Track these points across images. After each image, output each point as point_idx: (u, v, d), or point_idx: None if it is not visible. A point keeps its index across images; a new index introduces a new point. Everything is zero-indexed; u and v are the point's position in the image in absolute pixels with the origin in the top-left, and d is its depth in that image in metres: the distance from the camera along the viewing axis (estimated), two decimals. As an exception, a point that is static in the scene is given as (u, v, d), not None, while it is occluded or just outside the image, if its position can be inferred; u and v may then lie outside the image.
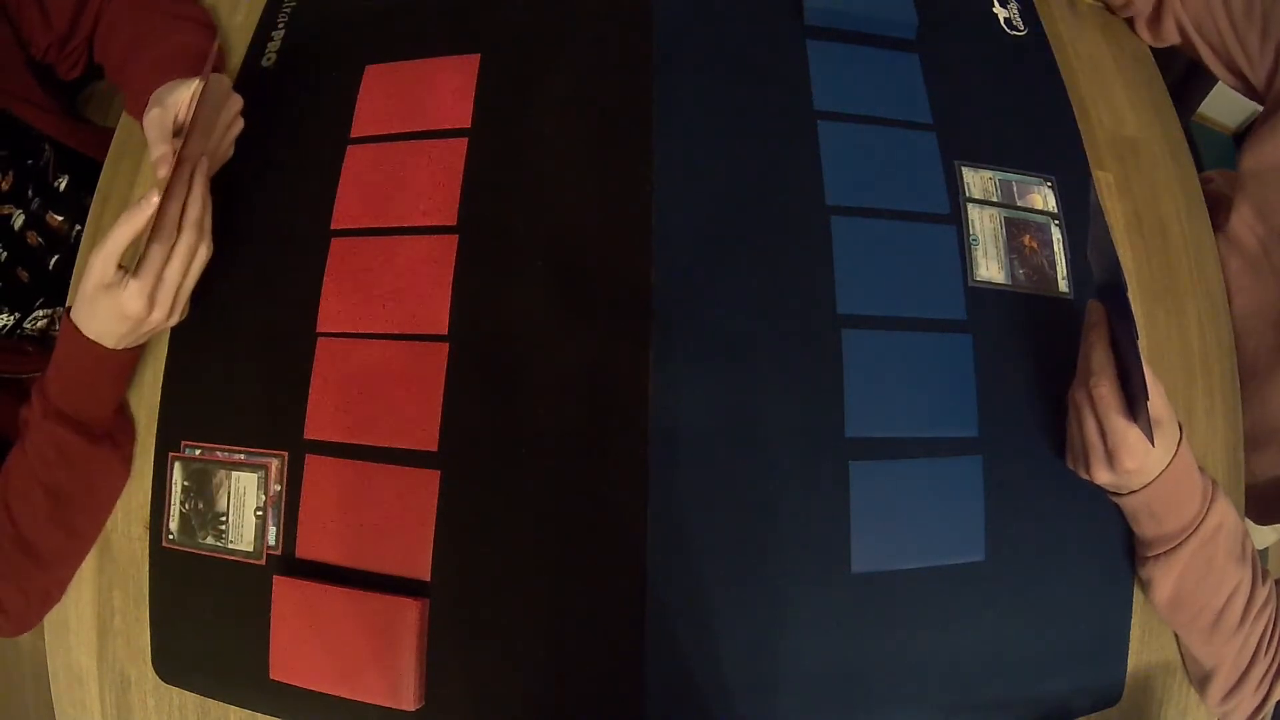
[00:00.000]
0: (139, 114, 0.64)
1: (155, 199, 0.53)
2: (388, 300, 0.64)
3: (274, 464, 0.63)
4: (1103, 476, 0.56)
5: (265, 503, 0.62)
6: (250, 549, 0.62)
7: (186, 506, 0.64)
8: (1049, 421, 0.63)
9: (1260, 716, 0.63)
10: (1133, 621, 0.63)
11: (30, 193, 0.76)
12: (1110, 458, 0.54)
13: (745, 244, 0.64)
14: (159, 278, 0.56)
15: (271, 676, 0.59)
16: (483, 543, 0.59)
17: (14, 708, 1.25)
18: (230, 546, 0.63)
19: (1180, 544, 0.57)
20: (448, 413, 0.60)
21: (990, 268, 0.66)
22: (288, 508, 0.62)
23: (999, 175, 0.69)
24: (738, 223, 0.64)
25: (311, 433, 0.62)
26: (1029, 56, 0.77)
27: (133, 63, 0.70)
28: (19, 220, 0.75)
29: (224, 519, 0.63)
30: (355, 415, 0.62)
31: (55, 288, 0.78)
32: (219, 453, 0.64)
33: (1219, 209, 0.77)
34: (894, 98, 0.71)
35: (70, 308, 0.58)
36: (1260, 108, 0.74)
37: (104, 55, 0.75)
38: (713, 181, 0.65)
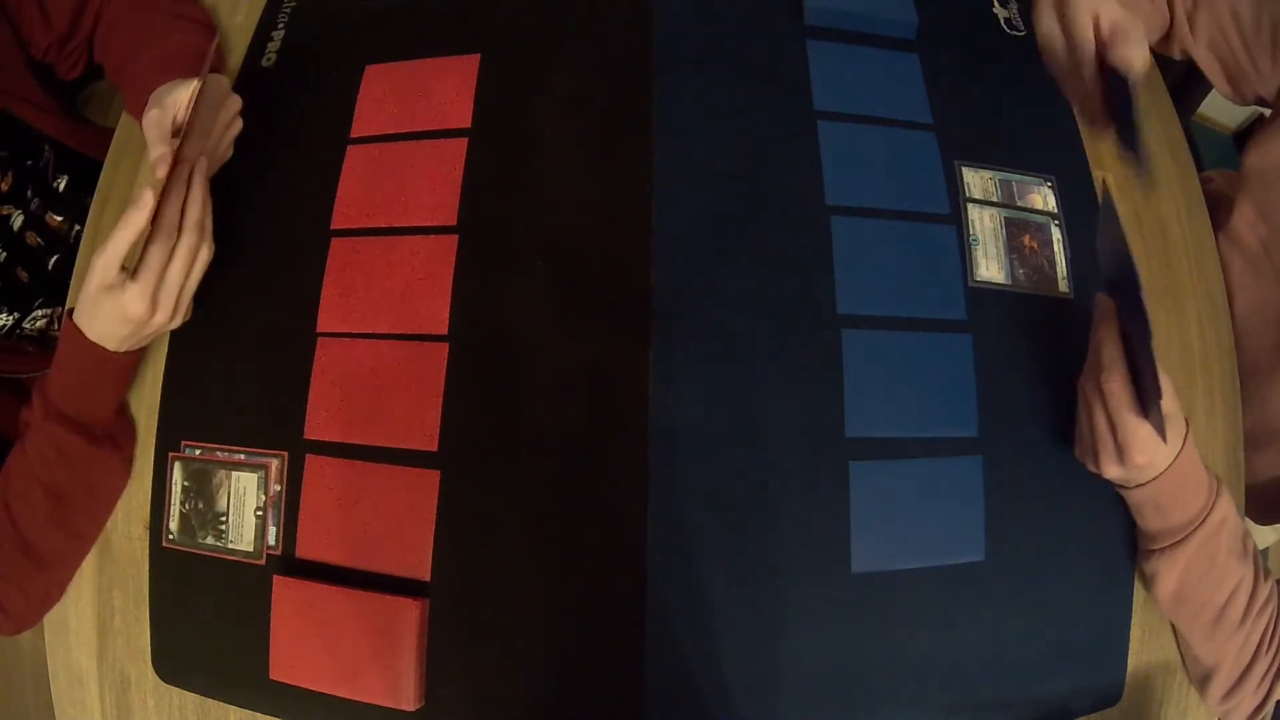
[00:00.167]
0: (139, 114, 0.64)
1: (150, 198, 0.53)
2: (387, 300, 0.64)
3: (274, 464, 0.63)
4: (1112, 471, 0.56)
5: (265, 503, 0.62)
6: (250, 549, 0.62)
7: (186, 506, 0.64)
8: (1049, 421, 0.64)
9: (1260, 716, 0.63)
10: (1133, 621, 0.63)
11: (30, 193, 0.76)
12: (1121, 453, 0.54)
13: (745, 244, 0.64)
14: (161, 279, 0.56)
15: (271, 676, 0.59)
16: (483, 543, 0.59)
17: (14, 708, 1.25)
18: (230, 546, 0.63)
19: (1185, 538, 0.57)
20: (448, 413, 0.60)
21: (990, 268, 0.66)
22: (288, 508, 0.62)
23: (999, 175, 0.69)
24: (738, 223, 0.64)
25: (311, 433, 0.62)
26: (1029, 56, 0.77)
27: (132, 63, 0.70)
28: (18, 220, 0.75)
29: (224, 519, 0.63)
30: (355, 415, 0.62)
31: (55, 288, 0.78)
32: (219, 453, 0.64)
33: (1219, 208, 0.77)
34: (894, 98, 0.71)
35: (72, 309, 0.58)
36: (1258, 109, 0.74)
37: (104, 55, 0.75)
38: (713, 182, 0.65)
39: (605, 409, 0.60)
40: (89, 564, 0.66)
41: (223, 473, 0.63)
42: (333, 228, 0.67)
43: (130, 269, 0.55)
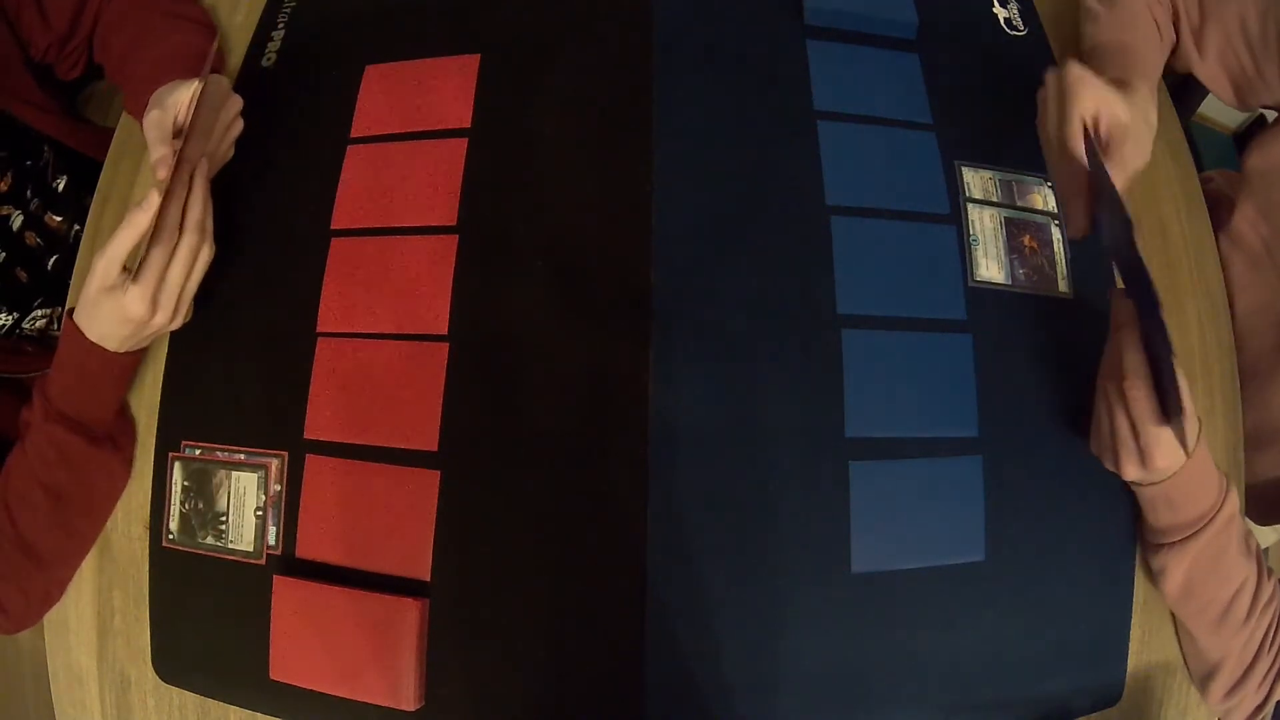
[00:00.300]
0: (139, 114, 0.64)
1: (156, 199, 0.53)
2: (387, 300, 0.64)
3: (274, 464, 0.63)
4: (1132, 473, 0.56)
5: (265, 503, 0.62)
6: (250, 549, 0.62)
7: (186, 506, 0.64)
8: (1049, 421, 0.64)
9: (1261, 715, 0.63)
10: (1133, 622, 0.63)
11: (29, 193, 0.76)
12: (1143, 457, 0.54)
13: (745, 244, 0.64)
14: (161, 280, 0.56)
15: (271, 676, 0.59)
16: (483, 543, 0.59)
17: (14, 708, 1.25)
18: (230, 546, 0.63)
19: (1196, 533, 0.57)
20: (448, 413, 0.60)
21: (990, 268, 0.66)
22: (288, 508, 0.62)
23: (999, 175, 0.69)
24: (738, 223, 0.64)
25: (311, 433, 0.62)
26: (1029, 56, 0.77)
27: (132, 63, 0.70)
28: (18, 221, 0.75)
29: (224, 519, 0.63)
30: (355, 415, 0.62)
31: (54, 288, 0.78)
32: (219, 453, 0.64)
33: (1219, 208, 0.77)
34: (894, 98, 0.71)
35: (72, 310, 0.58)
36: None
37: (104, 55, 0.75)
38: (713, 182, 0.65)
39: (605, 409, 0.60)
40: (89, 564, 0.66)
41: (223, 473, 0.63)
42: (333, 228, 0.67)
43: (131, 270, 0.55)
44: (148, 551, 0.65)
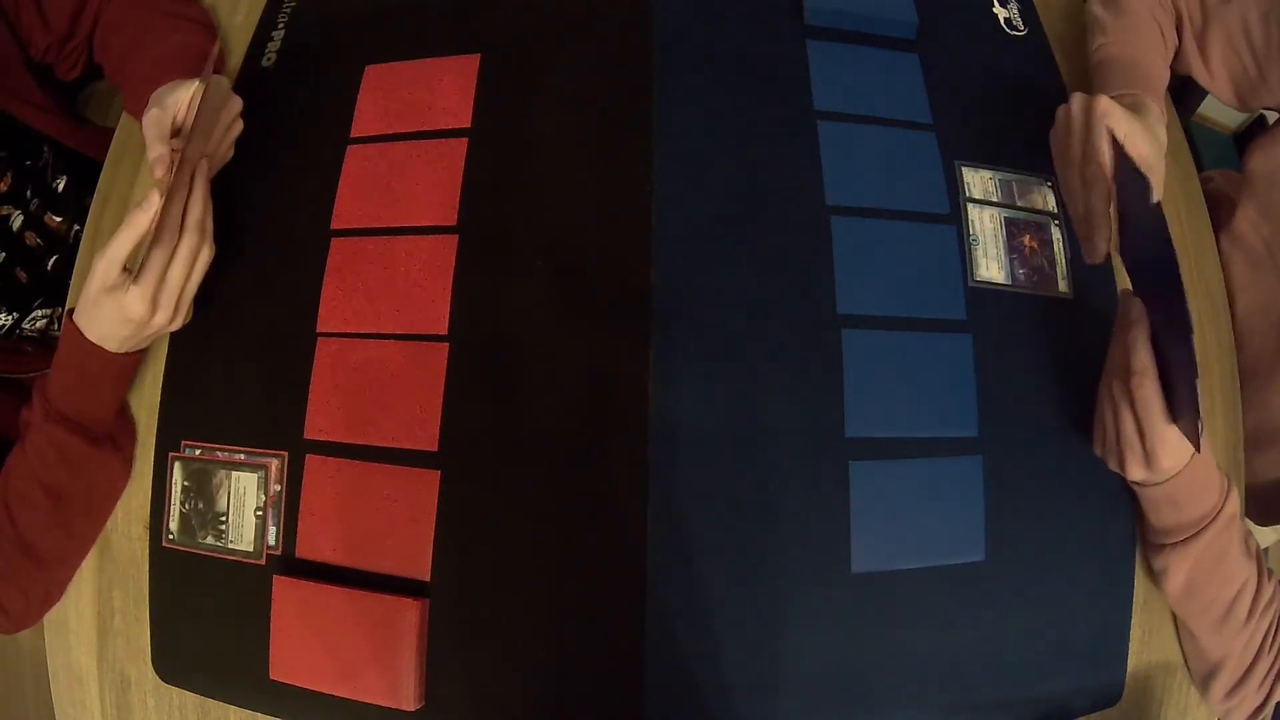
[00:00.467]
0: (139, 114, 0.64)
1: (156, 200, 0.53)
2: (387, 300, 0.64)
3: (274, 464, 0.63)
4: (1137, 474, 0.56)
5: (265, 503, 0.62)
6: (250, 549, 0.62)
7: (186, 506, 0.64)
8: (1049, 421, 0.64)
9: (1261, 716, 0.63)
10: (1133, 622, 0.63)
11: (29, 193, 0.76)
12: (1149, 457, 0.54)
13: (745, 244, 0.64)
14: (162, 281, 0.56)
15: (271, 676, 0.59)
16: (483, 543, 0.59)
17: (14, 708, 1.25)
18: (230, 546, 0.63)
19: (1199, 533, 0.57)
20: (448, 413, 0.60)
21: (990, 268, 0.66)
22: (288, 508, 0.62)
23: (999, 175, 0.69)
24: (738, 223, 0.64)
25: (311, 433, 0.62)
26: (1029, 56, 0.77)
27: (132, 63, 0.70)
28: (18, 221, 0.75)
29: (224, 519, 0.63)
30: (355, 415, 0.62)
31: (54, 288, 0.78)
32: (219, 453, 0.64)
33: (1219, 208, 0.77)
34: (894, 98, 0.71)
35: (72, 310, 0.58)
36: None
37: (104, 55, 0.75)
38: (713, 181, 0.65)
39: (605, 409, 0.60)
40: (89, 564, 0.66)
41: (223, 473, 0.63)
42: (333, 228, 0.67)
43: (131, 270, 0.55)
44: (148, 551, 0.65)
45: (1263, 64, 0.69)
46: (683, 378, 0.60)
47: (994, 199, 0.69)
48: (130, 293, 0.54)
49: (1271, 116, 0.95)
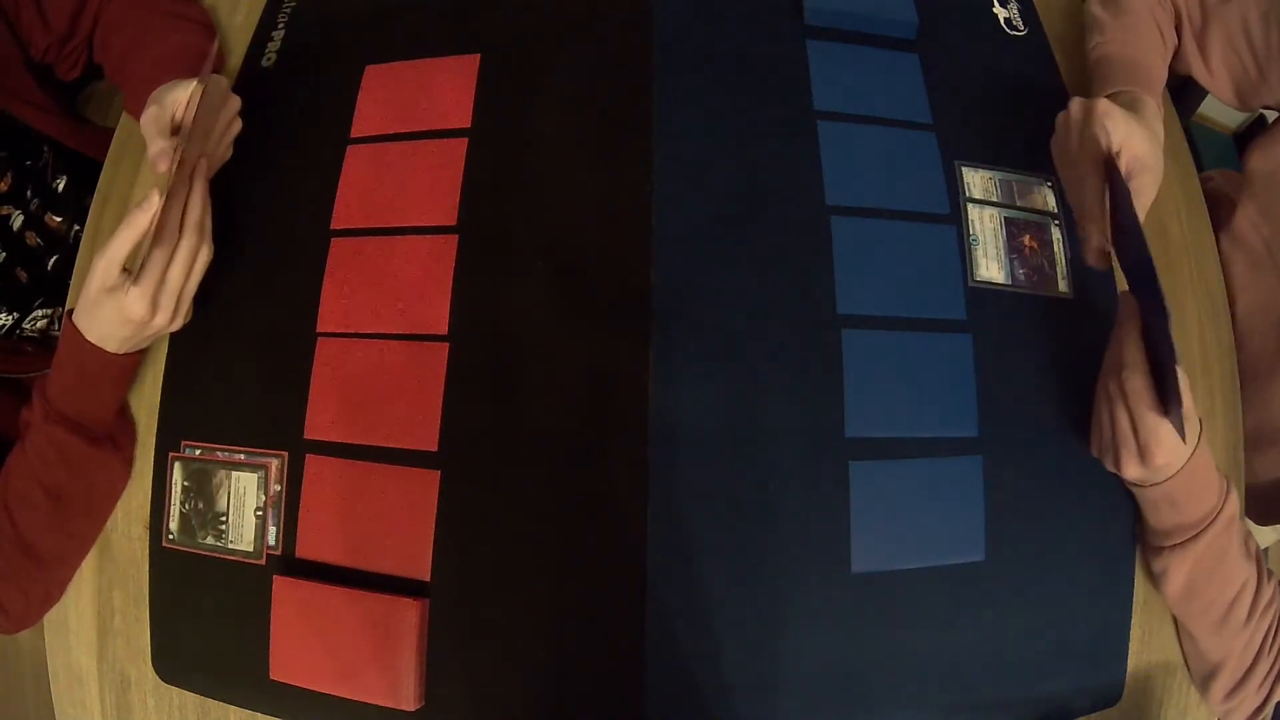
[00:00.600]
0: (139, 113, 0.64)
1: (156, 200, 0.53)
2: (387, 300, 0.64)
3: (274, 464, 0.63)
4: (1133, 471, 0.56)
5: (265, 503, 0.62)
6: (250, 549, 0.62)
7: (186, 506, 0.64)
8: (1049, 421, 0.63)
9: (1261, 716, 0.63)
10: (1133, 622, 0.63)
11: (29, 193, 0.76)
12: (1143, 452, 0.54)
13: (745, 244, 0.64)
14: (161, 281, 0.56)
15: (271, 676, 0.59)
16: (483, 543, 0.59)
17: (14, 708, 1.25)
18: (230, 546, 0.63)
19: (1199, 534, 0.57)
20: (448, 413, 0.60)
21: (990, 268, 0.66)
22: (288, 508, 0.62)
23: (999, 175, 0.69)
24: (738, 223, 0.64)
25: (311, 433, 0.62)
26: (1029, 56, 0.77)
27: (132, 62, 0.70)
28: (18, 221, 0.75)
29: (224, 519, 0.63)
30: (355, 415, 0.62)
31: (54, 288, 0.78)
32: (219, 453, 0.64)
33: (1219, 208, 0.77)
34: (894, 98, 0.71)
35: (72, 311, 0.58)
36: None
37: (104, 55, 0.75)
38: (713, 181, 0.65)
39: (605, 409, 0.60)
40: (89, 564, 0.66)
41: (223, 473, 0.63)
42: (333, 228, 0.67)
43: (131, 271, 0.55)
44: (148, 551, 0.65)
45: (1263, 63, 0.69)
46: (683, 378, 0.60)
47: (994, 199, 0.69)
48: (130, 293, 0.54)
49: (1271, 116, 0.95)
